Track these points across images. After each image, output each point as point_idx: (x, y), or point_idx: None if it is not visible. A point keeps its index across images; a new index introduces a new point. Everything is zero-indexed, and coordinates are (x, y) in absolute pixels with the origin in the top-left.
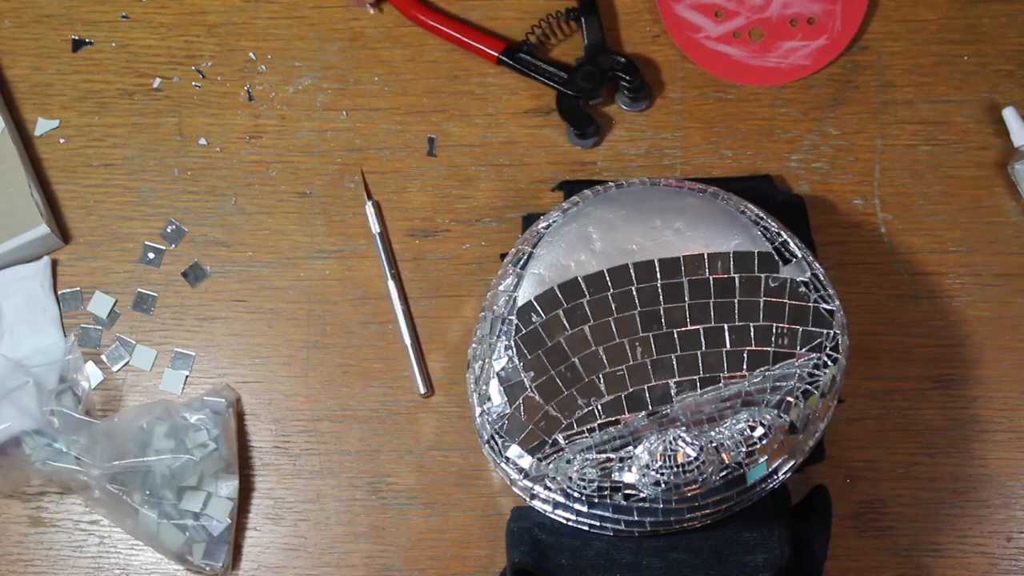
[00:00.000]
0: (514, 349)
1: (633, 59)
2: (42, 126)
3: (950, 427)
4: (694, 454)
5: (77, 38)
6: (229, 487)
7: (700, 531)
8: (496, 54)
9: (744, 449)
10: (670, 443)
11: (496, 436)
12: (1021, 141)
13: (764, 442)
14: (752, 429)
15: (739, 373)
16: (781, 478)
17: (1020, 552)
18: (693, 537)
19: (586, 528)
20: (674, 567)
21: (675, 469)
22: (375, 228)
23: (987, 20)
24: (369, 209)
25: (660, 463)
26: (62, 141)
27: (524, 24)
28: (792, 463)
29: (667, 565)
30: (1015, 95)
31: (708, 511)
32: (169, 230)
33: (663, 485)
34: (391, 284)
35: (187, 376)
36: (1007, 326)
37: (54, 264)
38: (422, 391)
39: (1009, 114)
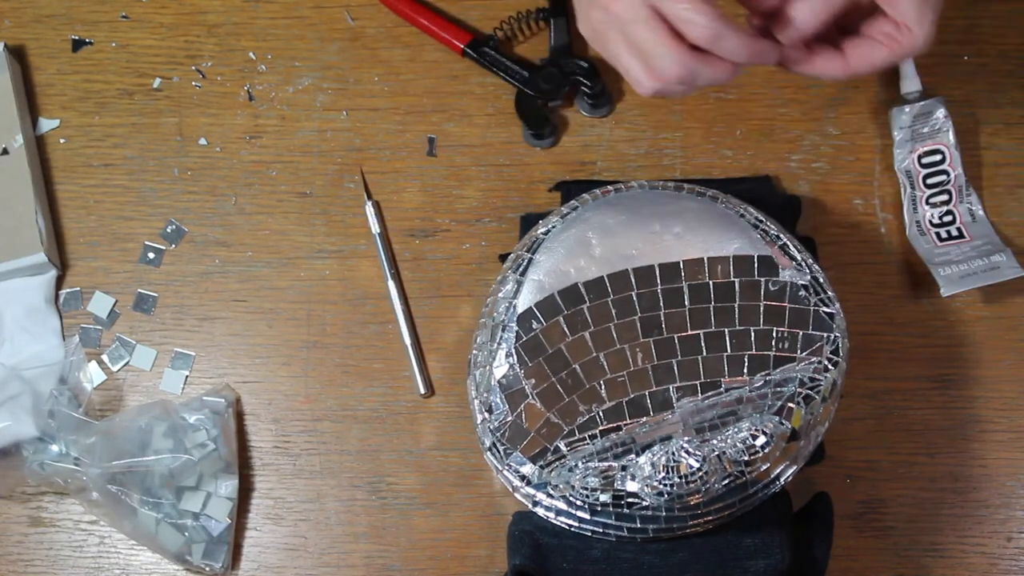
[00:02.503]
0: (515, 356)
1: (596, 66)
2: (42, 126)
3: (950, 427)
4: (697, 464)
5: (77, 38)
6: (229, 487)
7: (701, 535)
8: (461, 46)
9: (746, 457)
10: (673, 454)
11: (498, 443)
12: (909, 88)
13: (766, 450)
14: (754, 438)
15: (740, 378)
16: (783, 483)
17: (1020, 552)
18: (694, 541)
19: (588, 534)
20: (675, 572)
21: (678, 480)
22: (375, 228)
23: (987, 20)
24: (369, 209)
25: (663, 474)
26: (62, 141)
27: (493, 20)
28: (794, 468)
29: (668, 570)
30: (1015, 95)
31: (710, 518)
32: (169, 230)
33: (666, 496)
34: (391, 284)
35: (187, 376)
36: (1007, 326)
37: (58, 278)
38: (422, 391)
39: (904, 60)
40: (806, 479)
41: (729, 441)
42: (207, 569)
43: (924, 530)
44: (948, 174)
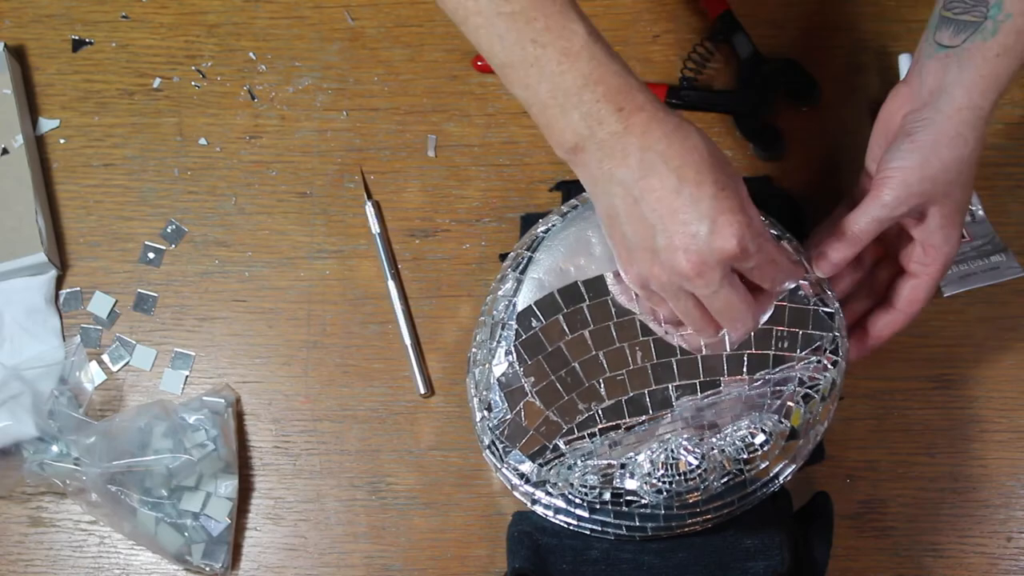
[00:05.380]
0: (514, 354)
1: (794, 60)
2: (42, 126)
3: (950, 427)
4: (696, 462)
5: (77, 38)
6: (228, 487)
7: (701, 535)
8: (662, 98)
9: (745, 456)
10: (672, 451)
11: (497, 441)
12: None
13: (765, 448)
14: (753, 436)
15: (739, 377)
16: (782, 481)
17: (1020, 552)
18: (694, 541)
19: (588, 533)
20: (675, 573)
21: (677, 477)
22: (375, 228)
23: None
24: (369, 209)
25: (662, 471)
26: (62, 141)
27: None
28: (793, 467)
29: (668, 571)
30: (1015, 95)
31: (709, 516)
32: (169, 230)
33: (665, 493)
34: (391, 284)
35: (187, 376)
36: (1007, 326)
37: (58, 278)
38: (422, 391)
39: (904, 60)
40: (806, 479)
41: (728, 439)
42: (207, 569)
43: (924, 530)
44: None
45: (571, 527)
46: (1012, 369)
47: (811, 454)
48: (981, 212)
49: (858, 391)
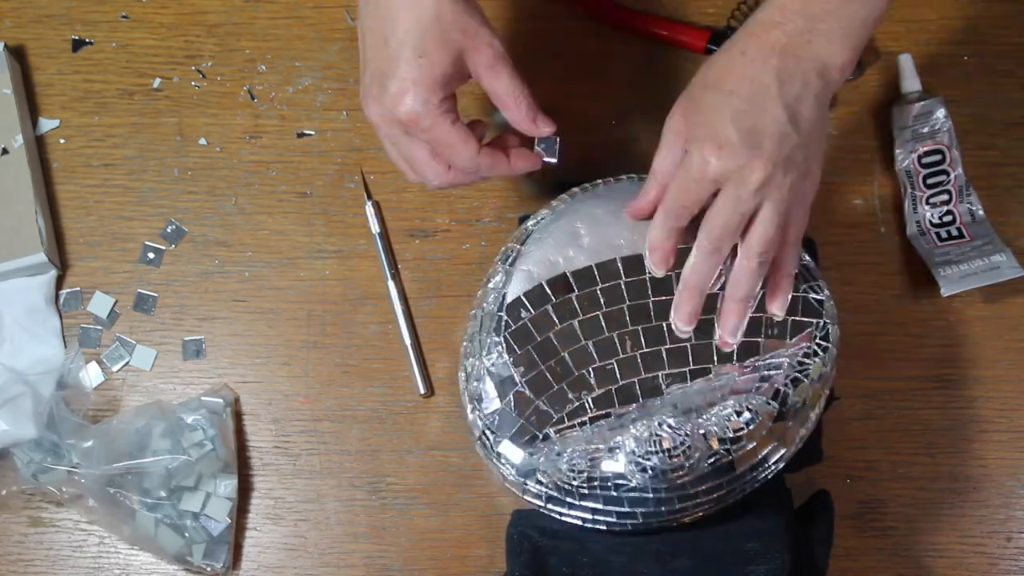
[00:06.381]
0: (503, 345)
1: None
2: (42, 126)
3: (950, 427)
4: (679, 439)
5: (77, 38)
6: (228, 487)
7: (700, 536)
8: (704, 44)
9: (731, 434)
10: (655, 428)
11: (487, 432)
12: (909, 88)
13: (751, 427)
14: (738, 414)
15: (729, 364)
16: (773, 467)
17: (1020, 552)
18: (693, 544)
19: (579, 522)
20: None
21: (660, 454)
22: (375, 228)
23: (987, 20)
24: (369, 209)
25: (646, 448)
26: (62, 141)
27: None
28: (783, 451)
29: (666, 573)
30: (1015, 95)
31: (700, 500)
32: (169, 230)
33: (650, 471)
34: (391, 284)
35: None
36: (1007, 326)
37: (58, 278)
38: (422, 391)
39: (905, 60)
40: (806, 479)
41: (714, 419)
42: (208, 569)
43: (924, 530)
44: (948, 174)
45: (562, 516)
46: (1012, 369)
47: (810, 455)
48: (981, 212)
49: (858, 391)
